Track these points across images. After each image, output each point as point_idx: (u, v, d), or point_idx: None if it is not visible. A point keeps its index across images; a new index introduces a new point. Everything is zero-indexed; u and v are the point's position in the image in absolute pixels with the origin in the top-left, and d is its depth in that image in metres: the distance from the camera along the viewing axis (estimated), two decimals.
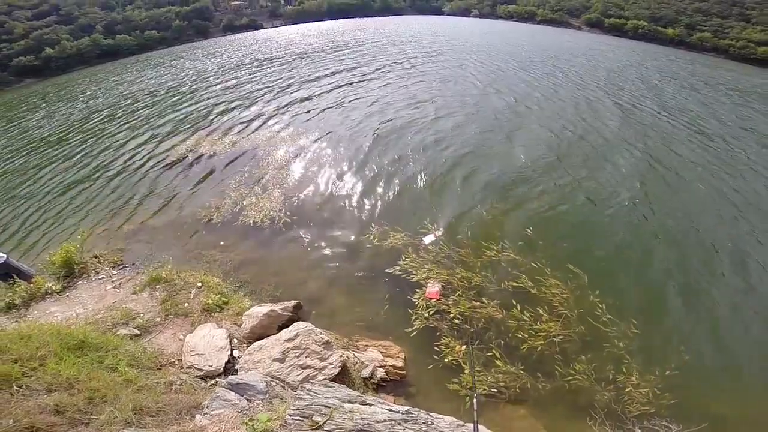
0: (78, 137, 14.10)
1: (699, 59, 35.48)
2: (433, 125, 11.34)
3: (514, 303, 5.15)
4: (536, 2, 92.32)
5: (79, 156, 12.00)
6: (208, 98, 16.96)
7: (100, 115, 17.05)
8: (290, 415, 2.62)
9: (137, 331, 4.54)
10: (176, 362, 4.17)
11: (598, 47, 34.37)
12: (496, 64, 21.50)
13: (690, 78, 22.39)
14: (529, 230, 6.57)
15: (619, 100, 15.10)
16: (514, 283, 5.50)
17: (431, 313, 5.07)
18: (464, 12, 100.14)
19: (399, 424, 2.68)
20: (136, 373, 3.48)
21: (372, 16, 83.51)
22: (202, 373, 4.03)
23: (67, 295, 5.31)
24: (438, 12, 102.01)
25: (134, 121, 14.88)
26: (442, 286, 5.48)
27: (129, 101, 19.06)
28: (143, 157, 10.91)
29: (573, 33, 58.10)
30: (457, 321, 4.90)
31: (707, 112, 14.57)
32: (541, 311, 5.06)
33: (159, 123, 13.93)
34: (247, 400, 3.19)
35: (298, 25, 72.34)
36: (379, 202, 7.64)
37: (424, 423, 2.79)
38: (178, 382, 3.62)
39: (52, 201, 9.14)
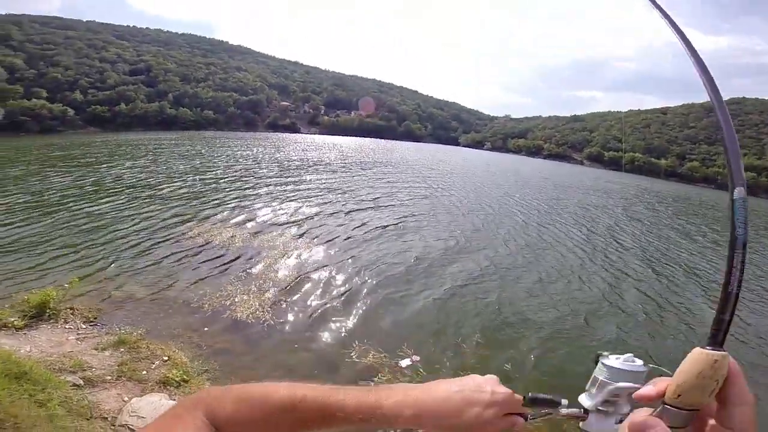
0: (111, 198, 14.55)
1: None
2: (447, 254, 11.49)
3: None
4: (543, 136, 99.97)
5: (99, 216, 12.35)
6: (237, 191, 17.60)
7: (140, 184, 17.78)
8: None
9: (81, 382, 4.16)
10: (109, 418, 3.82)
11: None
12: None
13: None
14: (507, 366, 6.10)
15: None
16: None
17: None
18: (478, 144, 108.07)
19: None
20: (63, 413, 3.30)
21: (395, 139, 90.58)
22: None
23: (25, 333, 4.96)
24: (454, 142, 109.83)
25: (163, 196, 15.42)
26: None
27: (168, 178, 20.04)
28: (154, 231, 10.98)
29: (578, 169, 61.47)
30: None
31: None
32: None
33: (183, 205, 14.21)
34: None
35: (332, 136, 79.02)
36: (366, 321, 7.35)
37: None
38: None
39: (56, 252, 9.12)
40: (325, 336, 6.72)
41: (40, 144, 32.24)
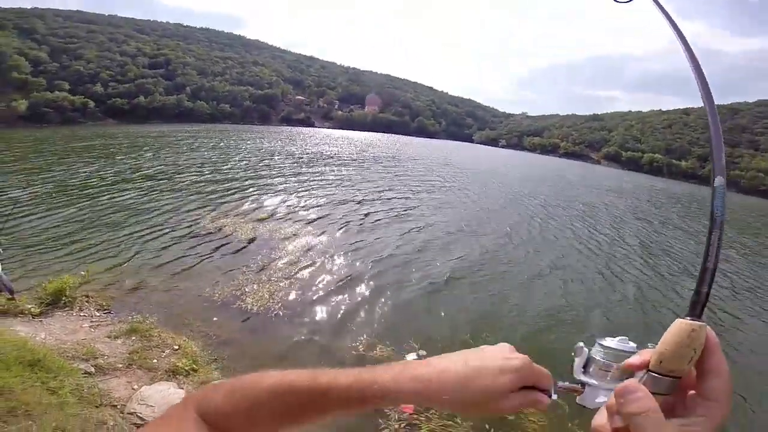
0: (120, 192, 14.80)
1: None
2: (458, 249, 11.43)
3: (488, 427, 4.57)
4: (560, 134, 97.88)
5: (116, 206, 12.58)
6: (253, 183, 17.66)
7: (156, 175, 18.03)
8: None
9: (93, 370, 4.27)
10: (118, 406, 3.91)
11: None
12: None
13: None
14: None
15: None
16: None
17: (402, 425, 4.50)
18: (492, 142, 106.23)
19: None
20: (73, 401, 3.41)
21: (408, 135, 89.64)
22: (141, 423, 3.74)
23: (40, 320, 5.10)
24: (468, 139, 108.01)
25: (180, 188, 15.59)
26: None
27: (186, 169, 20.32)
28: (170, 221, 11.14)
29: (594, 168, 59.98)
30: None
31: None
32: None
33: (200, 196, 14.33)
34: None
35: (346, 131, 78.86)
36: (375, 314, 7.36)
37: None
38: (111, 423, 3.49)
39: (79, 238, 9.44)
40: (334, 328, 6.71)
41: (62, 135, 33.05)
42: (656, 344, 0.52)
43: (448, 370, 0.58)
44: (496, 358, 0.58)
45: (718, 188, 0.54)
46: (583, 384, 0.60)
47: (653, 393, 0.47)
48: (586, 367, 0.61)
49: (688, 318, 0.49)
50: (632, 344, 0.58)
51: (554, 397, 0.61)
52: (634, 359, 0.53)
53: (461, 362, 0.58)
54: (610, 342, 0.59)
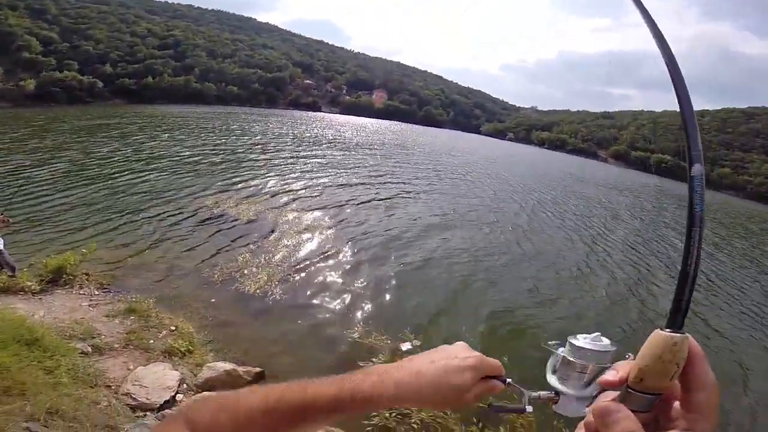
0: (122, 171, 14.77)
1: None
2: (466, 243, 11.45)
3: (475, 420, 4.55)
4: (569, 130, 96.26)
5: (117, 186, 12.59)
6: (259, 166, 17.63)
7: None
8: None
9: (90, 349, 4.32)
10: (113, 387, 3.96)
11: None
12: None
13: None
14: (505, 359, 5.97)
15: None
16: (482, 404, 4.84)
17: (392, 414, 4.48)
18: (499, 134, 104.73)
19: None
20: (68, 381, 3.42)
21: (415, 123, 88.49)
22: (135, 403, 3.80)
23: (40, 298, 5.15)
24: (476, 130, 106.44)
25: (188, 169, 15.63)
26: None
27: (193, 150, 20.31)
28: (174, 202, 11.19)
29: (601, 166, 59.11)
30: (415, 426, 4.33)
31: None
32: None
33: (207, 178, 14.38)
34: None
35: (352, 116, 77.89)
36: (371, 301, 7.35)
37: None
38: (105, 403, 3.50)
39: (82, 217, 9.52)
40: (329, 314, 6.73)
41: (71, 114, 33.03)
42: (633, 356, 0.47)
43: (421, 372, 0.63)
44: (457, 357, 0.65)
45: (696, 177, 0.46)
46: (558, 393, 0.56)
47: (633, 411, 0.43)
48: (559, 368, 0.57)
49: (668, 330, 0.43)
50: (606, 341, 0.54)
51: (529, 409, 0.61)
52: (611, 375, 0.48)
53: (429, 363, 0.64)
54: (583, 342, 0.54)
